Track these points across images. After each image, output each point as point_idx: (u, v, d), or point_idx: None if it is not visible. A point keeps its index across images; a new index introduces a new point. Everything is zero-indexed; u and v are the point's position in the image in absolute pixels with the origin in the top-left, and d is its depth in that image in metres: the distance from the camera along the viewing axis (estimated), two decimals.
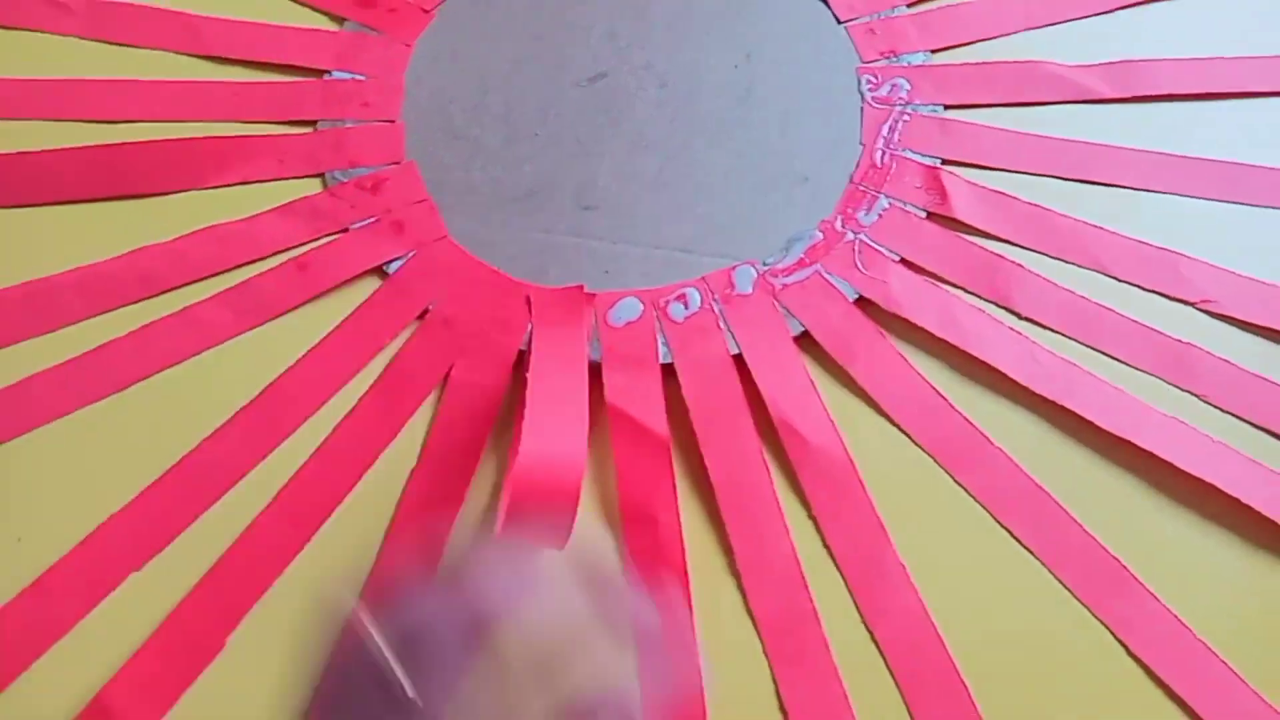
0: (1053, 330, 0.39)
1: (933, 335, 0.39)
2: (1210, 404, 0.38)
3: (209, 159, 0.43)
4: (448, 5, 0.48)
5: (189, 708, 0.33)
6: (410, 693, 0.23)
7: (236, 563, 0.36)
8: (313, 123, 0.45)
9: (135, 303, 0.40)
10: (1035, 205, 0.42)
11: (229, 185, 0.43)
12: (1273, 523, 0.35)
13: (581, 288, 0.40)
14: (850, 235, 0.42)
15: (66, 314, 0.40)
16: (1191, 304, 0.40)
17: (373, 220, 0.42)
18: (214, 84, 0.45)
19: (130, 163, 0.43)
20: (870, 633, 0.35)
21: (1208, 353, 0.39)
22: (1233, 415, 0.38)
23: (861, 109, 0.45)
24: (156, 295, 0.41)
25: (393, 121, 0.45)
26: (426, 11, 0.47)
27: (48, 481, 0.37)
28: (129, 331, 0.40)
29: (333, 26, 0.47)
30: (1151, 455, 0.37)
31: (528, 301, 0.40)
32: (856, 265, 0.41)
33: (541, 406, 0.35)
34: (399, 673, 0.23)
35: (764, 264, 0.41)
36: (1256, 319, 0.39)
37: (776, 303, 0.40)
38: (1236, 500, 0.36)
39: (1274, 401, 0.38)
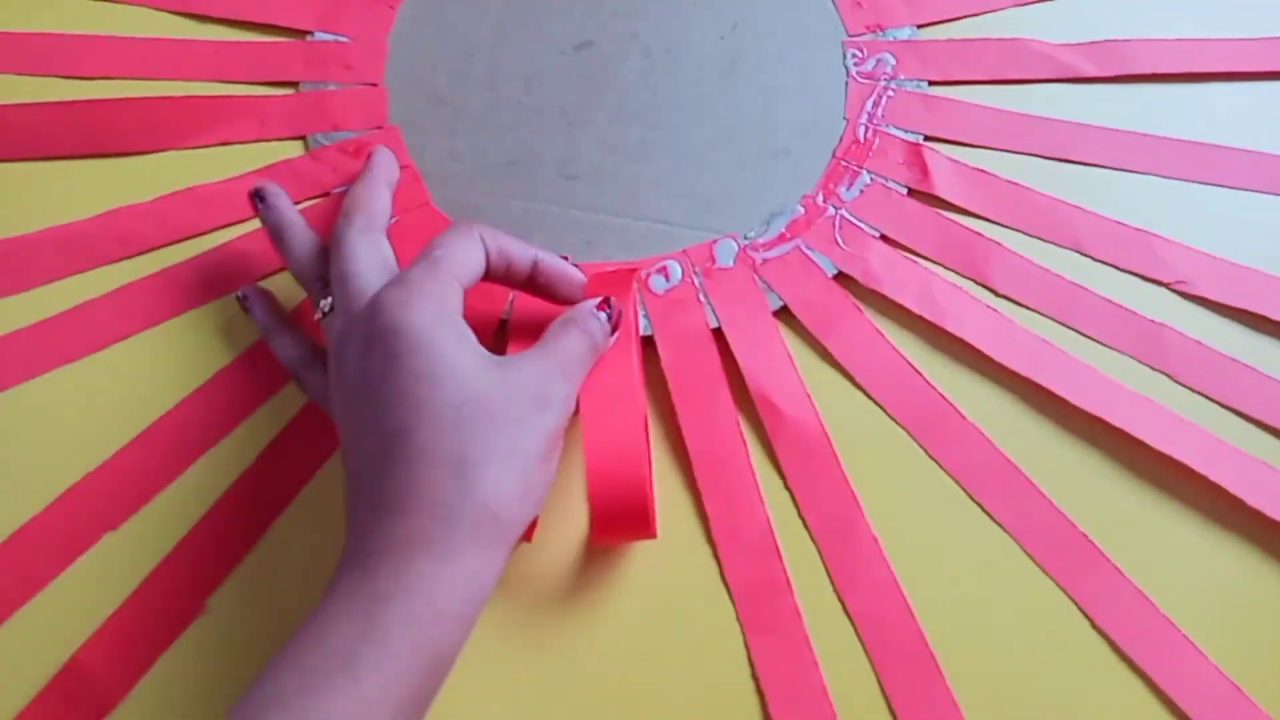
0: (1029, 308, 0.40)
1: (910, 311, 0.40)
2: (1181, 384, 0.39)
3: (189, 118, 0.43)
4: None
5: (166, 669, 0.34)
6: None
7: (216, 524, 0.36)
8: (294, 84, 0.44)
9: (113, 262, 0.40)
10: (1015, 183, 0.42)
11: (209, 145, 0.43)
12: (1237, 499, 0.36)
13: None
14: (831, 210, 0.42)
15: (42, 272, 0.40)
16: (1166, 285, 0.40)
17: None
18: (194, 42, 0.45)
19: (107, 120, 0.42)
20: (842, 603, 0.35)
21: (1180, 333, 0.39)
22: (1202, 395, 0.38)
23: (846, 83, 0.45)
24: (135, 255, 0.40)
25: (375, 85, 0.44)
26: None
27: (22, 441, 0.37)
28: (107, 291, 0.39)
29: None
30: (1121, 432, 0.37)
31: None
32: (837, 240, 0.41)
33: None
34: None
35: (745, 238, 0.41)
36: (1229, 300, 0.40)
37: (757, 277, 0.40)
38: (1203, 477, 0.36)
39: (1243, 383, 0.38)
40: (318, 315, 0.34)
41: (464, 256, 0.32)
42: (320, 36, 0.45)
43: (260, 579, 0.35)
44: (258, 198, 0.37)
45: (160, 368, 0.38)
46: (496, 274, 0.34)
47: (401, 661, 0.26)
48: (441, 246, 0.32)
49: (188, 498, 0.36)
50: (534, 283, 0.35)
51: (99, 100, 0.43)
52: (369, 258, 0.33)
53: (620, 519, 0.33)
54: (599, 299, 0.34)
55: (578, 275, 0.35)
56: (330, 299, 0.34)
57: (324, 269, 0.35)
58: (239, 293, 0.38)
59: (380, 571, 0.27)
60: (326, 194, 0.42)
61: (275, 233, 0.37)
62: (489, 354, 0.30)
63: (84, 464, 0.37)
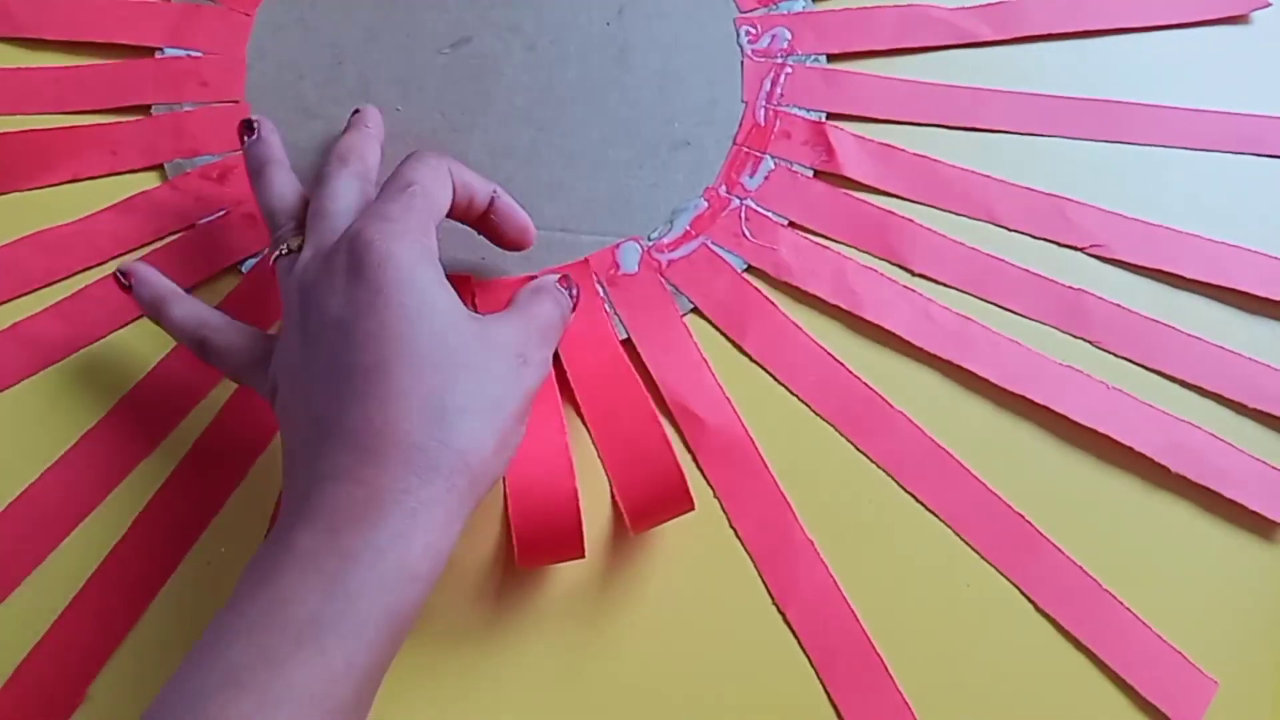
0: (947, 285, 0.39)
1: (826, 300, 0.38)
2: (1103, 349, 0.38)
3: (30, 156, 0.39)
4: None
5: None
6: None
7: (92, 604, 0.33)
8: (146, 108, 0.40)
9: None
10: (922, 156, 0.41)
11: (56, 184, 0.39)
12: (1166, 467, 0.35)
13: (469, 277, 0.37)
14: (736, 201, 0.40)
15: None
16: (1081, 249, 0.40)
17: (222, 213, 0.39)
18: (29, 71, 0.40)
19: None
20: (781, 613, 0.34)
21: (1099, 298, 0.39)
22: (1125, 359, 0.38)
23: (742, 63, 0.43)
24: None
25: (237, 102, 0.41)
26: None
27: None
28: None
29: None
30: (1048, 408, 0.36)
31: None
32: (744, 233, 0.39)
33: None
34: None
35: (648, 239, 0.39)
36: (1144, 261, 0.39)
37: (663, 280, 0.38)
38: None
39: (1164, 343, 0.38)
40: (276, 254, 0.32)
41: (436, 190, 0.31)
42: (170, 53, 0.41)
43: (145, 660, 0.32)
44: (248, 129, 0.35)
45: (18, 437, 0.35)
46: (458, 209, 0.33)
47: (370, 628, 0.24)
48: (415, 180, 0.31)
49: (58, 578, 0.33)
50: (486, 220, 0.34)
51: None
52: (354, 200, 0.32)
53: (547, 540, 0.31)
54: (558, 275, 0.34)
55: (527, 217, 0.35)
56: (299, 239, 0.32)
57: (300, 209, 0.33)
58: (119, 271, 0.34)
59: (345, 528, 0.25)
60: (191, 226, 0.38)
61: (258, 166, 0.35)
62: (465, 306, 0.29)
63: None
